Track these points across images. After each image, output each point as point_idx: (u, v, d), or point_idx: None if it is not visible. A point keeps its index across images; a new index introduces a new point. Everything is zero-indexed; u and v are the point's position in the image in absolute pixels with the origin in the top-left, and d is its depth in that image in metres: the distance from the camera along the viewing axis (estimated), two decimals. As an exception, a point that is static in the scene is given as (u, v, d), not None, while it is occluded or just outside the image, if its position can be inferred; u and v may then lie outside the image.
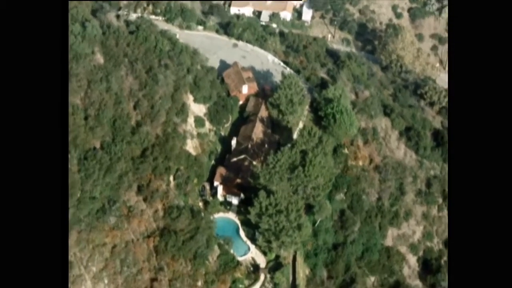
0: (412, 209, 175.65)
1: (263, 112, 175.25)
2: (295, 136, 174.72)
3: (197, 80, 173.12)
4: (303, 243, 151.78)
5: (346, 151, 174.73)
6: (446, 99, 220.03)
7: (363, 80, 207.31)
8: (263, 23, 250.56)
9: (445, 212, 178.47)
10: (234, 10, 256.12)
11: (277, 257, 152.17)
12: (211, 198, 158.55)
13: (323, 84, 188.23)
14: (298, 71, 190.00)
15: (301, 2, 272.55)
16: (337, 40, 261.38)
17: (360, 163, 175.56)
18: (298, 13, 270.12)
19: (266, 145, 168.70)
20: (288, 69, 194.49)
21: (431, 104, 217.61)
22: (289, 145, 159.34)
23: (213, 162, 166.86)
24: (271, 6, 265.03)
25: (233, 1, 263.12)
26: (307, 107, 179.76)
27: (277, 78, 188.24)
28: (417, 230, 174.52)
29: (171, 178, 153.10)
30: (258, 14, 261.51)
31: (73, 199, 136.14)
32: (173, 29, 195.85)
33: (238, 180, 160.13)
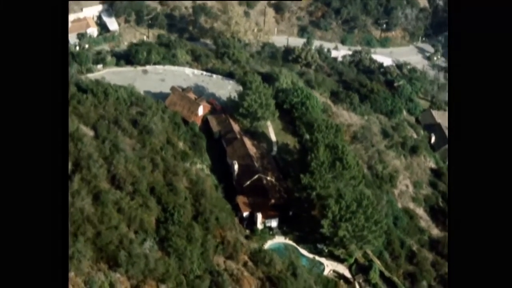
0: (395, 165, 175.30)
1: (235, 126, 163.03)
2: (273, 138, 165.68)
3: (172, 117, 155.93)
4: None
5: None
6: (317, 55, 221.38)
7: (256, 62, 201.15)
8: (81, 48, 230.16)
9: (409, 159, 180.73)
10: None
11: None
12: (247, 231, 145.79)
13: (263, 78, 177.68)
14: (229, 74, 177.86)
15: (96, 14, 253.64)
16: (152, 38, 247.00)
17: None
18: (101, 26, 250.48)
19: (264, 158, 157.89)
20: (214, 76, 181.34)
21: (307, 65, 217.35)
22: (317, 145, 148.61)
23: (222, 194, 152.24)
24: (73, 27, 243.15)
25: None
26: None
27: (213, 89, 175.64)
28: (408, 183, 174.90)
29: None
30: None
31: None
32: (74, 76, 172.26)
33: (272, 201, 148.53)
